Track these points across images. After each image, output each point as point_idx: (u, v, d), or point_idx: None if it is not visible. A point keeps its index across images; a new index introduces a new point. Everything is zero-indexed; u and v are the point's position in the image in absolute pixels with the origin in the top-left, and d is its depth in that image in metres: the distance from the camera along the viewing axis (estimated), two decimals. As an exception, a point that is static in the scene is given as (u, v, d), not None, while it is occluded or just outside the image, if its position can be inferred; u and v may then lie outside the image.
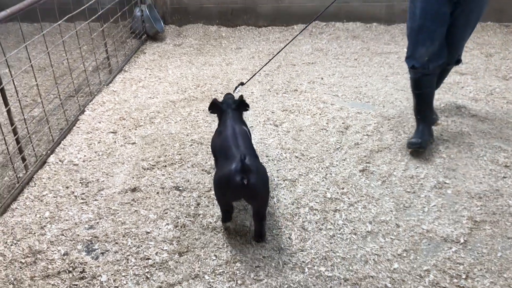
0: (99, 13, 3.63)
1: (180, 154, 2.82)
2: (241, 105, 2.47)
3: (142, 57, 4.49)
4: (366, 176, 2.60)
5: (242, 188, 1.93)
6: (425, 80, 2.75)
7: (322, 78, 3.92)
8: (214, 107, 2.45)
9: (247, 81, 3.09)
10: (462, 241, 2.13)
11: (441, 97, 3.48)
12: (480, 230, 2.17)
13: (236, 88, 2.92)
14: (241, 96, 2.51)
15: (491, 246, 2.10)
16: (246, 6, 5.31)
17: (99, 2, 3.63)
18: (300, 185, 2.54)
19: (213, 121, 3.20)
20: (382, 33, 5.02)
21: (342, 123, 3.16)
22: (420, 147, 2.73)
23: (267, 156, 2.79)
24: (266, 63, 3.36)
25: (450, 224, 2.21)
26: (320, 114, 3.30)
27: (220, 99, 2.60)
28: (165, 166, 2.71)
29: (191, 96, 3.60)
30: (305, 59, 4.39)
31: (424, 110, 2.86)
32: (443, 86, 3.65)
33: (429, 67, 2.67)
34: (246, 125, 2.45)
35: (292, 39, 3.50)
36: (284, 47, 3.47)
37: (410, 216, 2.29)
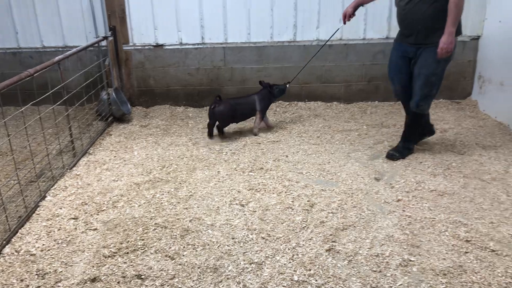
0: (64, 98, 3.67)
1: (143, 240, 2.75)
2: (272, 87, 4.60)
3: (107, 139, 4.50)
4: (332, 255, 2.58)
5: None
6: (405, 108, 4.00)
7: (286, 156, 4.00)
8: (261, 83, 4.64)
9: (292, 79, 4.79)
10: (430, 321, 2.10)
11: (401, 172, 3.60)
12: (447, 309, 2.16)
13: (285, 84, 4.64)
14: (285, 84, 4.69)
15: (460, 325, 2.08)
16: (212, 88, 5.49)
17: (64, 87, 3.68)
18: (267, 268, 2.49)
19: (178, 203, 3.17)
20: (342, 111, 5.25)
21: (307, 201, 3.19)
22: (393, 157, 3.89)
23: (233, 239, 2.75)
24: (303, 67, 4.85)
25: (417, 304, 2.20)
26: (285, 192, 3.33)
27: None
28: (127, 253, 2.63)
29: (156, 177, 3.58)
30: (270, 137, 4.50)
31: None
32: (403, 161, 3.80)
33: (397, 99, 4.03)
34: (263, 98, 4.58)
35: (322, 46, 3.62)
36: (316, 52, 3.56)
37: (377, 297, 2.26)
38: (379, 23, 5.25)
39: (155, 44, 5.34)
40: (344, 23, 4.00)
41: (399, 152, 3.90)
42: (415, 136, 3.99)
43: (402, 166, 3.72)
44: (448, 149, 4.06)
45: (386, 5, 5.17)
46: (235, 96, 4.97)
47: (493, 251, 2.58)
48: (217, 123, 4.52)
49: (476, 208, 3.06)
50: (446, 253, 2.57)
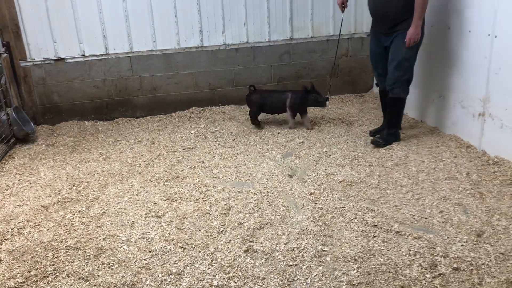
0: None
1: (53, 265, 2.60)
2: (309, 92, 4.61)
3: (10, 162, 4.20)
4: (250, 255, 2.63)
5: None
6: (381, 92, 4.37)
7: (203, 162, 4.00)
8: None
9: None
10: (344, 306, 2.21)
11: (312, 166, 3.75)
12: (358, 293, 2.29)
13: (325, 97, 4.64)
14: (324, 97, 4.62)
15: (371, 306, 2.21)
16: (121, 99, 5.34)
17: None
18: (186, 277, 2.47)
19: (90, 222, 3.05)
20: (255, 113, 5.35)
21: (225, 204, 3.21)
22: (372, 134, 4.40)
23: (150, 252, 2.70)
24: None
25: (332, 291, 2.30)
26: (202, 198, 3.33)
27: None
28: (37, 281, 2.47)
29: (65, 198, 3.41)
30: (185, 144, 4.47)
31: (383, 111, 4.43)
32: (313, 156, 3.96)
33: (378, 83, 4.35)
34: (296, 97, 4.68)
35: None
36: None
37: (295, 290, 2.34)
38: (282, 25, 5.43)
39: (55, 58, 5.09)
40: (342, 11, 4.31)
41: (382, 139, 4.15)
42: (397, 122, 4.23)
43: (313, 161, 3.87)
44: (354, 141, 4.30)
45: (287, 8, 5.36)
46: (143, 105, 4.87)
47: (397, 232, 2.78)
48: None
49: (381, 194, 3.27)
50: (356, 239, 2.72)
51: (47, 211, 3.24)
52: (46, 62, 5.08)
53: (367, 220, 2.91)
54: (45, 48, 5.03)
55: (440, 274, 2.36)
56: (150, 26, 5.14)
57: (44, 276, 2.51)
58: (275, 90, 5.01)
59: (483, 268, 2.39)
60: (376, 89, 5.77)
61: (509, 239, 2.64)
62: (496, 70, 3.57)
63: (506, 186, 3.25)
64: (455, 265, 2.41)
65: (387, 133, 4.18)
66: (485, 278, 2.32)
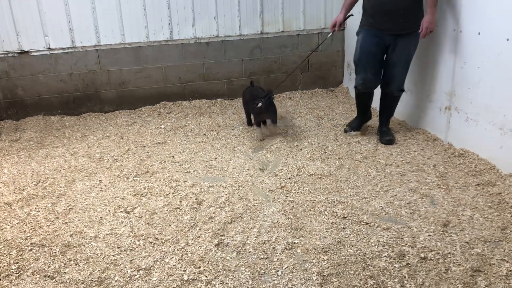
0: None
1: (17, 263, 2.52)
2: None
3: (-29, 158, 4.05)
4: (221, 249, 2.61)
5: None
6: (361, 95, 4.15)
7: (173, 157, 3.95)
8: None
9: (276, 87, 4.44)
10: (315, 297, 2.23)
11: (283, 160, 3.76)
12: (328, 284, 2.30)
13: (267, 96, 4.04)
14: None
15: (341, 296, 2.24)
16: (88, 93, 5.22)
17: None
18: (156, 272, 2.44)
19: (57, 219, 2.96)
20: (226, 107, 5.33)
21: (195, 199, 3.18)
22: (350, 131, 4.28)
23: (118, 248, 2.65)
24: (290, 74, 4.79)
25: (302, 283, 2.31)
26: (173, 193, 3.29)
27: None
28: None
29: (30, 194, 3.31)
30: (155, 139, 4.40)
31: (359, 111, 4.32)
32: (285, 150, 3.96)
33: (364, 87, 4.00)
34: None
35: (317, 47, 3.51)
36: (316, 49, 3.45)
37: (265, 283, 2.33)
38: (252, 19, 5.41)
39: (19, 51, 4.92)
40: (334, 31, 4.07)
41: (392, 135, 4.10)
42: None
43: (284, 155, 3.88)
44: (324, 134, 4.33)
45: (257, 2, 5.34)
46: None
47: (366, 223, 2.81)
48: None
49: (351, 186, 3.31)
50: (326, 231, 2.74)
51: (10, 208, 3.13)
52: (9, 55, 4.90)
53: (337, 212, 2.94)
54: (8, 41, 4.86)
55: (408, 263, 2.41)
56: (118, 18, 5.03)
57: (7, 275, 2.43)
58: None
59: (449, 257, 2.45)
60: (346, 84, 5.83)
61: (474, 229, 2.71)
62: (461, 65, 3.66)
63: (470, 178, 3.34)
64: (422, 255, 2.46)
65: (388, 128, 4.20)
66: (451, 266, 2.38)
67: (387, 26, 3.73)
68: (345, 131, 4.32)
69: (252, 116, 4.48)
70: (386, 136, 4.06)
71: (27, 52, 4.94)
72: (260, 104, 3.97)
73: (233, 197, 3.20)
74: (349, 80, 5.72)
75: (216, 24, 5.31)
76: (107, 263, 2.51)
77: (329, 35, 4.31)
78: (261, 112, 4.07)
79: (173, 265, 2.49)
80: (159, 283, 2.35)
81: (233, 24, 5.36)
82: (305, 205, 3.05)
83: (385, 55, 3.91)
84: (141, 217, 2.98)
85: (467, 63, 3.60)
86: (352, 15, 4.09)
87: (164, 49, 5.26)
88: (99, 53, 5.10)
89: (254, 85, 4.65)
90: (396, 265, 2.39)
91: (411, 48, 3.82)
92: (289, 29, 5.56)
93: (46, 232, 2.83)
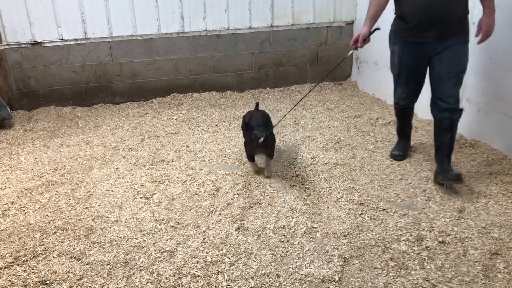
0: None
1: (43, 245, 2.57)
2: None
3: (-13, 147, 4.09)
4: (242, 233, 2.66)
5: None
6: (403, 111, 3.57)
7: (187, 146, 4.00)
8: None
9: (274, 125, 3.52)
10: (337, 278, 2.27)
11: (296, 150, 3.81)
12: (350, 266, 2.35)
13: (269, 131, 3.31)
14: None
15: (362, 278, 2.28)
16: (100, 85, 5.26)
17: None
18: (179, 254, 2.49)
19: (77, 204, 3.01)
20: (236, 100, 5.38)
21: (213, 186, 3.23)
22: (401, 158, 3.63)
23: (141, 231, 2.70)
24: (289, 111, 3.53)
25: (324, 265, 2.36)
26: (190, 180, 3.34)
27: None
28: (27, 260, 2.44)
29: (49, 181, 3.35)
30: (168, 129, 4.45)
31: (403, 130, 3.71)
32: (297, 140, 4.01)
33: (405, 103, 3.45)
34: None
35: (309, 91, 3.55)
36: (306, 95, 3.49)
37: (288, 264, 2.39)
38: (263, 12, 5.45)
39: (32, 42, 4.95)
40: (356, 49, 3.25)
41: (458, 175, 3.04)
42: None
43: (297, 145, 3.93)
44: (336, 126, 4.38)
45: (268, -6, 5.39)
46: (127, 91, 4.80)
47: (383, 209, 2.86)
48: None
49: (366, 175, 3.36)
50: (344, 216, 2.79)
51: (31, 193, 3.18)
52: (23, 46, 4.94)
53: (353, 199, 2.99)
54: (22, 32, 4.89)
55: (427, 247, 2.46)
56: (130, 10, 5.07)
57: (34, 256, 2.48)
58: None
59: (467, 241, 2.50)
60: (355, 78, 5.88)
61: (489, 215, 2.76)
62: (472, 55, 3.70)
63: (483, 167, 3.39)
64: (440, 239, 2.51)
65: (450, 165, 3.18)
66: (469, 249, 2.43)
67: (426, 34, 3.05)
68: (395, 157, 3.63)
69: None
70: (452, 171, 3.08)
71: (40, 43, 4.98)
72: (262, 139, 3.11)
73: (249, 184, 3.25)
74: (358, 74, 5.77)
75: (227, 17, 5.35)
76: (131, 246, 2.56)
77: (349, 53, 3.68)
78: (258, 146, 3.23)
79: (196, 248, 2.54)
80: (184, 264, 2.40)
81: (243, 17, 5.40)
82: (322, 192, 3.10)
83: (428, 66, 3.24)
84: (161, 202, 3.03)
85: (478, 54, 3.65)
86: (379, 28, 3.23)
87: (175, 41, 5.30)
88: (111, 44, 5.14)
89: (258, 108, 3.74)
90: (415, 248, 2.45)
91: (461, 59, 3.06)
92: (299, 22, 5.60)
93: (68, 216, 2.88)
